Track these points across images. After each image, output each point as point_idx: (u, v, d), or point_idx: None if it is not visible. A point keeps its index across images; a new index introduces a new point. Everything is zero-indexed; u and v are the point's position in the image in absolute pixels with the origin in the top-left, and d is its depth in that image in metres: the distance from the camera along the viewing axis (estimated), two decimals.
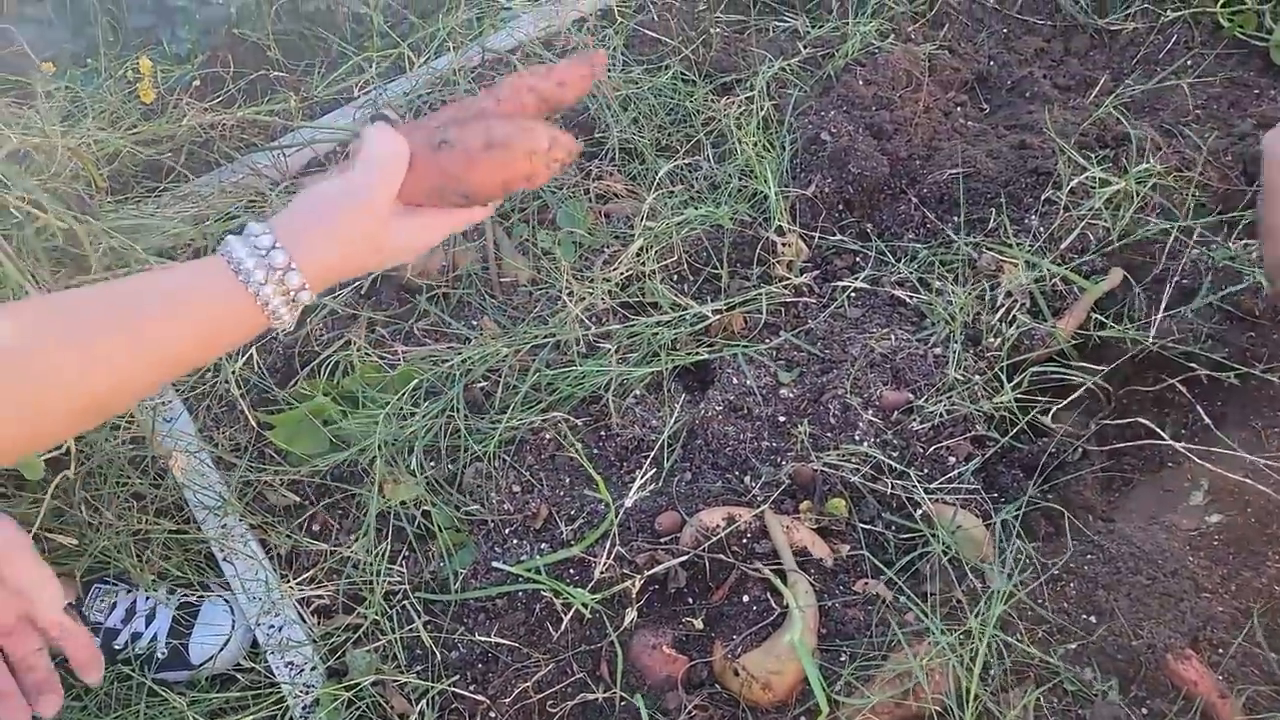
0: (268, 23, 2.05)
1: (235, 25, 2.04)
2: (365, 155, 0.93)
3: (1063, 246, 1.64)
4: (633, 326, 1.60)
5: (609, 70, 1.91)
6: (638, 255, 1.67)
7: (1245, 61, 1.99)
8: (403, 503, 1.48)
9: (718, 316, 1.63)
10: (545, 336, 1.58)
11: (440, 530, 1.46)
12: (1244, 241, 1.61)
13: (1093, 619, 1.29)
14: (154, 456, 1.54)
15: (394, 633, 1.38)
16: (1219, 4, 2.01)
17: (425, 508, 1.48)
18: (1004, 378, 1.52)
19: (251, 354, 1.59)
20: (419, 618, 1.38)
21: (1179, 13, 2.03)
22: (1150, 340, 1.51)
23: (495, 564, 1.40)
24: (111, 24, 1.96)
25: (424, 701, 1.32)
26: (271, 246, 0.87)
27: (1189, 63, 1.97)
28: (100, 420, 0.90)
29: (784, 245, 1.71)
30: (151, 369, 0.85)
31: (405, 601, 1.41)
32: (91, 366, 0.81)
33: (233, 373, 1.54)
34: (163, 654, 1.42)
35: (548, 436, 1.52)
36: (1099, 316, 1.58)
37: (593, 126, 1.88)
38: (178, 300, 0.85)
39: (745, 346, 1.61)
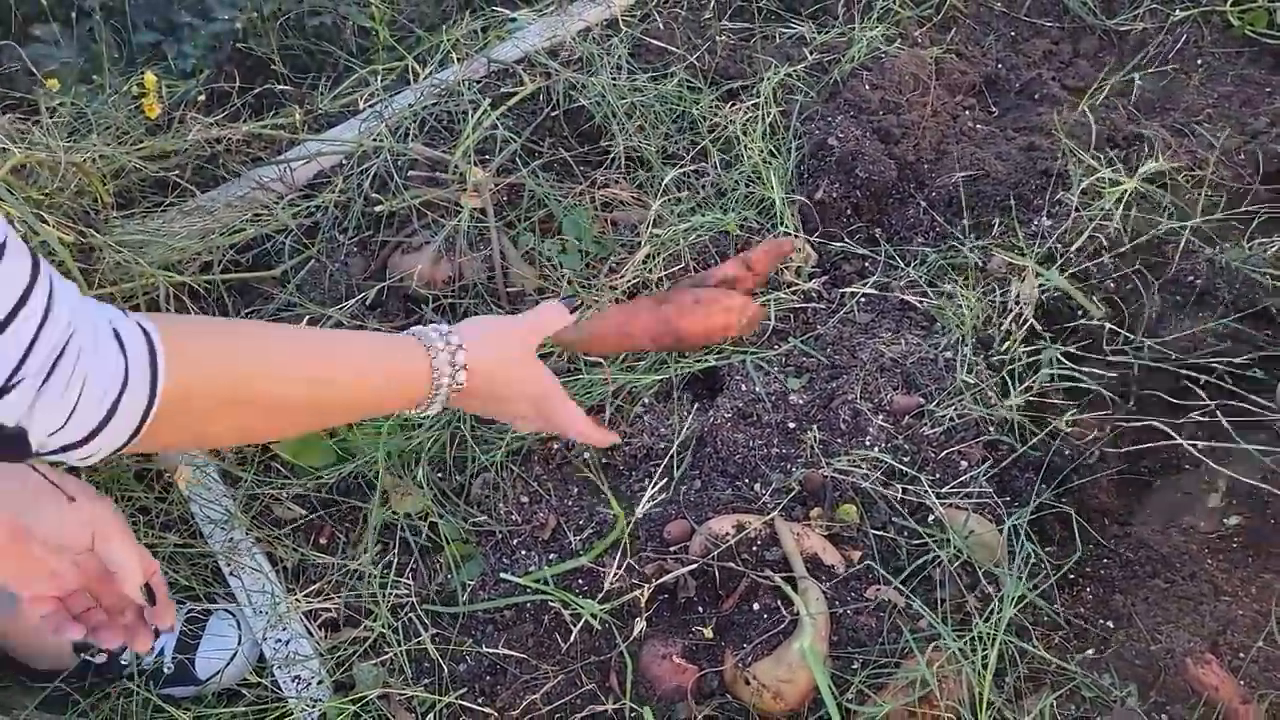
0: (273, 38, 2.06)
1: (240, 40, 2.05)
2: (534, 310, 1.21)
3: (1073, 249, 1.62)
4: None
5: (614, 78, 1.90)
6: (644, 262, 1.66)
7: (1256, 59, 1.97)
8: (409, 515, 1.47)
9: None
10: (552, 345, 1.57)
11: (447, 542, 1.45)
12: (1258, 240, 1.59)
13: (1110, 624, 1.27)
14: (160, 470, 1.54)
15: (401, 645, 1.37)
16: (1228, 2, 1.99)
17: (432, 519, 1.47)
18: (1014, 381, 1.50)
19: None
20: (426, 630, 1.37)
21: (1188, 12, 2.01)
22: (1171, 357, 1.49)
23: (503, 575, 1.39)
24: (117, 40, 1.97)
25: (432, 715, 1.30)
26: (450, 332, 1.08)
27: (1199, 62, 1.95)
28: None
29: (792, 251, 1.70)
30: (331, 401, 0.99)
31: (412, 614, 1.40)
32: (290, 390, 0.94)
33: None
34: (169, 669, 1.41)
35: (555, 446, 1.51)
36: (1112, 326, 1.56)
37: (599, 134, 1.87)
38: (375, 349, 1.05)
39: (754, 353, 1.60)
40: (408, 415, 1.13)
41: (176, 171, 1.84)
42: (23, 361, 0.72)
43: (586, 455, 1.51)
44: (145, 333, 0.82)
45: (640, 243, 1.67)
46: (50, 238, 1.32)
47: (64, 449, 0.79)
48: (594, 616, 1.31)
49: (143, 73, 1.74)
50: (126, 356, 0.79)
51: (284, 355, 0.95)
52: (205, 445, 1.13)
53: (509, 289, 1.68)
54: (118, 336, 0.80)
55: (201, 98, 1.90)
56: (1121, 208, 1.62)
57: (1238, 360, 1.48)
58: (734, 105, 1.89)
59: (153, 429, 0.82)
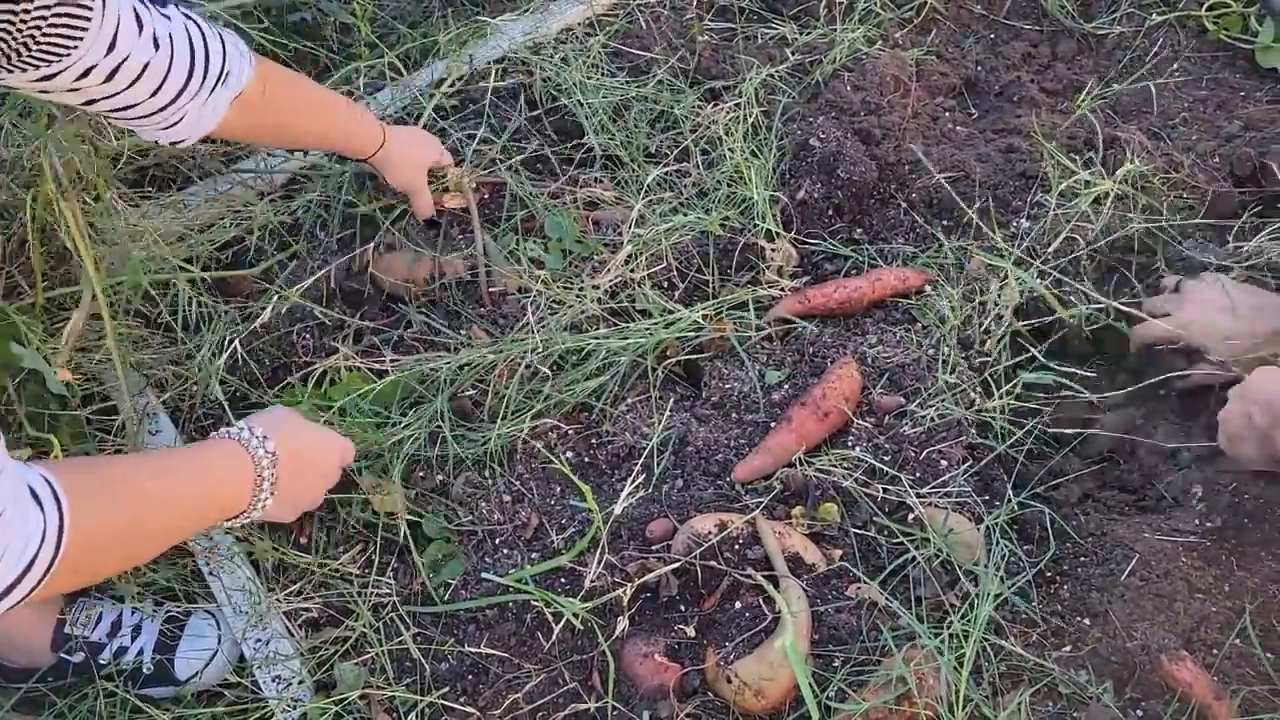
0: (254, 34, 2.04)
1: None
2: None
3: (1050, 250, 1.64)
4: (623, 333, 1.59)
5: (594, 77, 1.90)
6: (626, 262, 1.66)
7: (1231, 64, 1.99)
8: (390, 514, 1.46)
9: (708, 323, 1.62)
10: (534, 344, 1.57)
11: (429, 541, 1.45)
12: (1232, 244, 1.61)
13: (1086, 621, 1.28)
14: None
15: (382, 645, 1.37)
16: (1204, 7, 2.02)
17: (413, 518, 1.46)
18: (995, 382, 1.52)
19: (237, 359, 1.58)
20: (408, 630, 1.37)
21: (1164, 16, 2.03)
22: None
23: (485, 575, 1.39)
24: None
25: (413, 714, 1.30)
26: (250, 426, 1.17)
27: (1175, 66, 1.98)
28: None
29: (773, 251, 1.71)
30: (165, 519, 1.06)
31: (393, 613, 1.40)
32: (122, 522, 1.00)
33: (217, 379, 1.53)
34: (148, 669, 1.40)
35: (538, 445, 1.51)
36: (1090, 328, 1.58)
37: (580, 133, 1.87)
38: (192, 453, 1.19)
39: (734, 351, 1.60)
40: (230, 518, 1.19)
41: (155, 168, 1.82)
42: None
43: (568, 454, 1.52)
44: (50, 486, 0.90)
45: (622, 243, 1.67)
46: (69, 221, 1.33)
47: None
48: (576, 616, 1.31)
49: None
50: (44, 513, 0.88)
51: (160, 492, 1.05)
52: (94, 581, 1.24)
53: (491, 289, 1.68)
54: (33, 494, 0.88)
55: None
56: (1103, 208, 1.63)
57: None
58: (716, 105, 1.90)
59: (53, 576, 0.89)
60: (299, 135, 1.59)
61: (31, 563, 0.87)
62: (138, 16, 1.17)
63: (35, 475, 0.89)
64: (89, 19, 1.08)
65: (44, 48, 1.06)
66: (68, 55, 1.09)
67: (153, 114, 1.26)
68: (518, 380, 1.54)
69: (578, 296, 1.61)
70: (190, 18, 1.27)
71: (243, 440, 1.15)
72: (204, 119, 1.31)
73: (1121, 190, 1.67)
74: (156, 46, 1.19)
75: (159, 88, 1.22)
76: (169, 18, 1.24)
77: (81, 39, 1.09)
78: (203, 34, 1.27)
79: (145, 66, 1.19)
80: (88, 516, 0.92)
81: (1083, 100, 1.86)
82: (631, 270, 1.66)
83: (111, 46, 1.13)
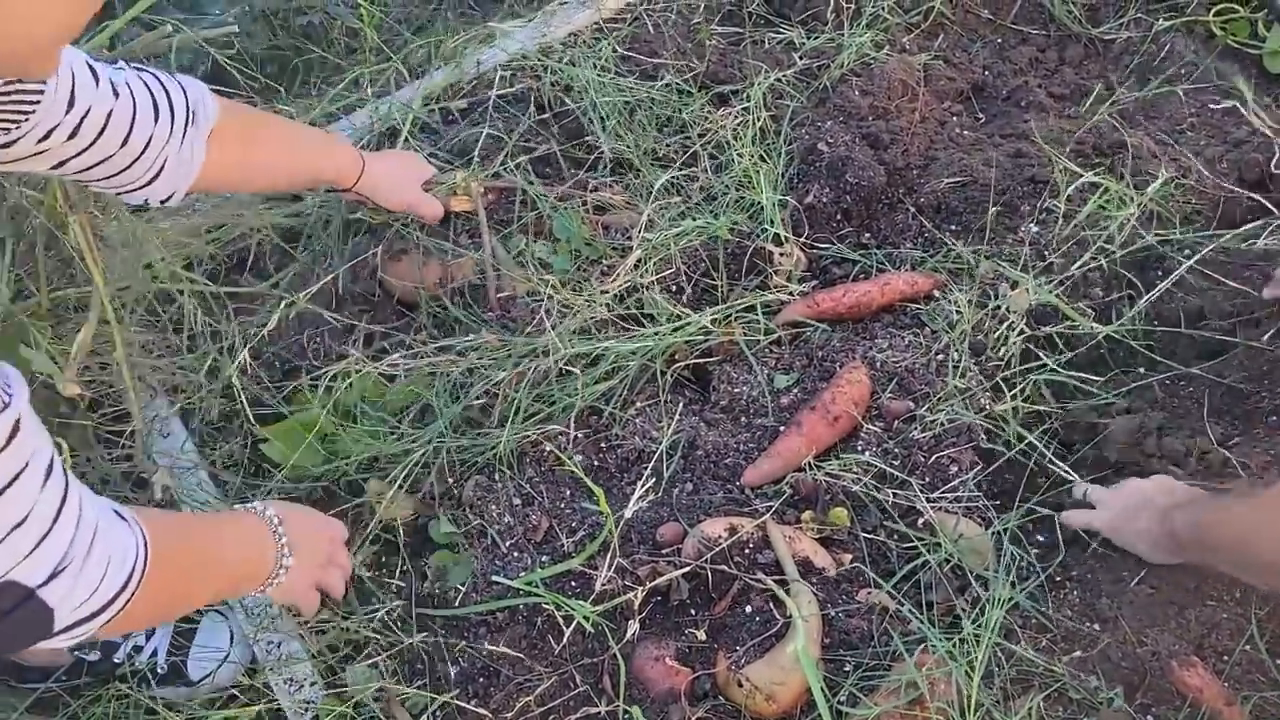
0: (263, 37, 2.05)
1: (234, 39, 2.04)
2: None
3: (1069, 263, 1.64)
4: (632, 337, 1.59)
5: (603, 80, 1.90)
6: (636, 267, 1.66)
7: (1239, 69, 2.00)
8: (392, 520, 1.47)
9: (716, 328, 1.62)
10: (544, 349, 1.57)
11: (438, 545, 1.45)
12: (1246, 242, 1.61)
13: (1096, 626, 1.29)
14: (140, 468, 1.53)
15: (394, 647, 1.37)
16: (1211, 13, 2.02)
17: (424, 521, 1.47)
18: (1005, 386, 1.52)
19: (247, 366, 1.58)
20: (419, 632, 1.37)
21: (1172, 21, 2.03)
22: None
23: (495, 578, 1.39)
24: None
25: (425, 716, 1.31)
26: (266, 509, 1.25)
27: (1183, 71, 1.98)
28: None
29: (782, 255, 1.71)
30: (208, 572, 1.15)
31: (404, 616, 1.40)
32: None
33: (232, 380, 1.53)
34: (162, 669, 1.41)
35: (548, 449, 1.51)
36: (1110, 330, 1.58)
37: (588, 136, 1.88)
38: (226, 520, 1.28)
39: (743, 355, 1.61)
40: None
41: None
42: (70, 547, 0.86)
43: (578, 458, 1.52)
44: (120, 512, 0.97)
45: (631, 247, 1.67)
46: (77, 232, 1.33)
47: (78, 624, 0.91)
48: (586, 619, 1.32)
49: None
50: (131, 529, 0.96)
51: (206, 539, 1.16)
52: (153, 620, 1.32)
53: (500, 294, 1.68)
54: (119, 514, 0.96)
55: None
56: (1112, 214, 1.64)
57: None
58: (724, 110, 1.90)
59: (134, 600, 0.95)
60: (285, 171, 1.54)
61: (131, 573, 0.93)
62: (91, 69, 1.15)
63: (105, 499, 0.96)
64: (42, 89, 1.06)
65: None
66: (25, 121, 1.06)
67: (129, 167, 1.23)
68: (526, 385, 1.54)
69: (587, 302, 1.62)
70: (142, 69, 1.25)
71: (254, 510, 1.24)
72: (185, 166, 1.29)
73: (1131, 195, 1.67)
74: (116, 94, 1.18)
75: (127, 136, 1.20)
76: (122, 69, 1.23)
77: (38, 103, 1.06)
78: (159, 79, 1.26)
79: (109, 115, 1.17)
80: (163, 542, 0.98)
81: (1091, 107, 1.87)
82: (641, 275, 1.66)
83: (70, 103, 1.11)
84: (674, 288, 1.70)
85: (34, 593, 0.84)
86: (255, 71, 1.96)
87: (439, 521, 1.47)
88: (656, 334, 1.59)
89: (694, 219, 1.73)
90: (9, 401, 0.78)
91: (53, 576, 0.85)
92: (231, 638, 1.44)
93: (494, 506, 1.47)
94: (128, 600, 0.93)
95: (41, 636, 0.88)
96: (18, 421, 0.79)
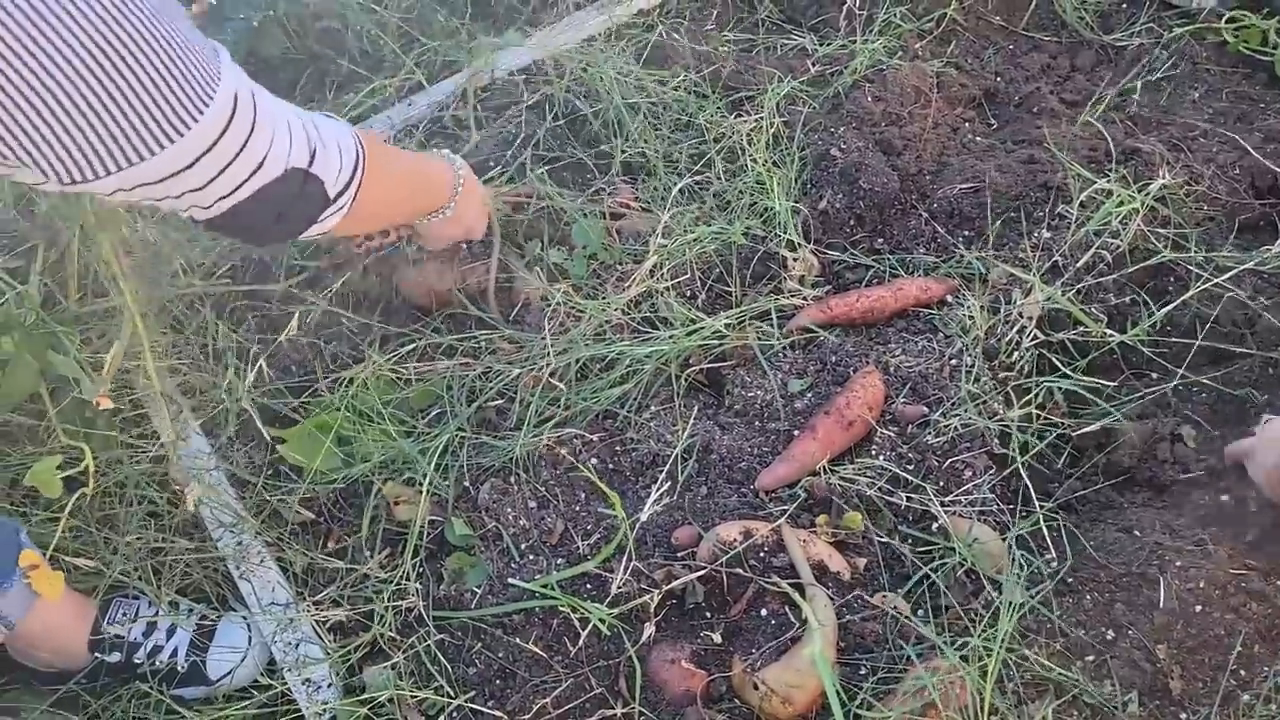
0: (279, 42, 2.07)
1: (252, 45, 2.06)
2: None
3: (1078, 264, 1.64)
4: (646, 341, 1.60)
5: (619, 84, 1.91)
6: (651, 274, 1.67)
7: (1250, 77, 2.00)
8: (407, 522, 1.48)
9: (731, 332, 1.63)
10: (558, 353, 1.58)
11: (455, 547, 1.46)
12: (1262, 246, 1.62)
13: (1110, 633, 1.29)
14: (170, 477, 1.54)
15: (411, 649, 1.38)
16: (1224, 20, 2.03)
17: (440, 523, 1.48)
18: (1018, 393, 1.53)
19: (263, 372, 1.59)
20: (436, 634, 1.38)
21: (1184, 29, 2.04)
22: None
23: (511, 580, 1.40)
24: None
25: (442, 718, 1.32)
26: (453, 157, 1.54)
27: (1195, 78, 1.99)
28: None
29: (795, 260, 1.72)
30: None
31: (422, 618, 1.41)
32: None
33: (245, 391, 1.55)
34: (182, 669, 1.42)
35: (563, 453, 1.53)
36: (1115, 333, 1.58)
37: (603, 141, 1.89)
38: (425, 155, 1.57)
39: (757, 359, 1.62)
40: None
41: None
42: (312, 132, 1.12)
43: (593, 461, 1.53)
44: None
45: (647, 252, 1.68)
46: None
47: (338, 196, 1.17)
48: (603, 621, 1.32)
49: None
50: (342, 125, 1.20)
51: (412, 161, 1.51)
52: (374, 219, 1.47)
53: (513, 302, 1.69)
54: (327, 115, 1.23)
55: None
56: (1125, 219, 1.64)
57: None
58: (738, 116, 1.91)
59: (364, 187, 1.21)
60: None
61: (358, 155, 1.18)
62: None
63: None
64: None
65: None
66: None
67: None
68: (541, 388, 1.55)
69: (601, 307, 1.63)
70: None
71: (449, 160, 1.50)
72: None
73: (1143, 201, 1.68)
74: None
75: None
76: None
77: None
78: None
79: None
80: (373, 146, 1.22)
81: (1103, 113, 1.87)
82: (656, 280, 1.67)
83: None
84: (688, 293, 1.71)
85: (309, 171, 1.10)
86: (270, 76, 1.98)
87: (454, 524, 1.48)
88: (671, 338, 1.60)
89: (709, 224, 1.74)
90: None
91: (312, 158, 1.10)
92: (250, 639, 1.45)
93: (510, 510, 1.48)
94: (361, 179, 1.18)
95: (324, 206, 1.16)
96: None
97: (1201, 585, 1.28)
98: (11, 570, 1.31)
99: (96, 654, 1.42)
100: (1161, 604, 1.27)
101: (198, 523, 1.52)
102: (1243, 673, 1.26)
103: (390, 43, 2.08)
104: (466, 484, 1.52)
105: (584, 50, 2.03)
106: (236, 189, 1.04)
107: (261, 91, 1.05)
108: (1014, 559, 1.33)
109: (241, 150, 1.01)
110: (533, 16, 2.24)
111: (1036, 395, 1.52)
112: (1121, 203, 1.67)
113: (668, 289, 1.67)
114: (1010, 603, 1.24)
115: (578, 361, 1.58)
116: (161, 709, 1.39)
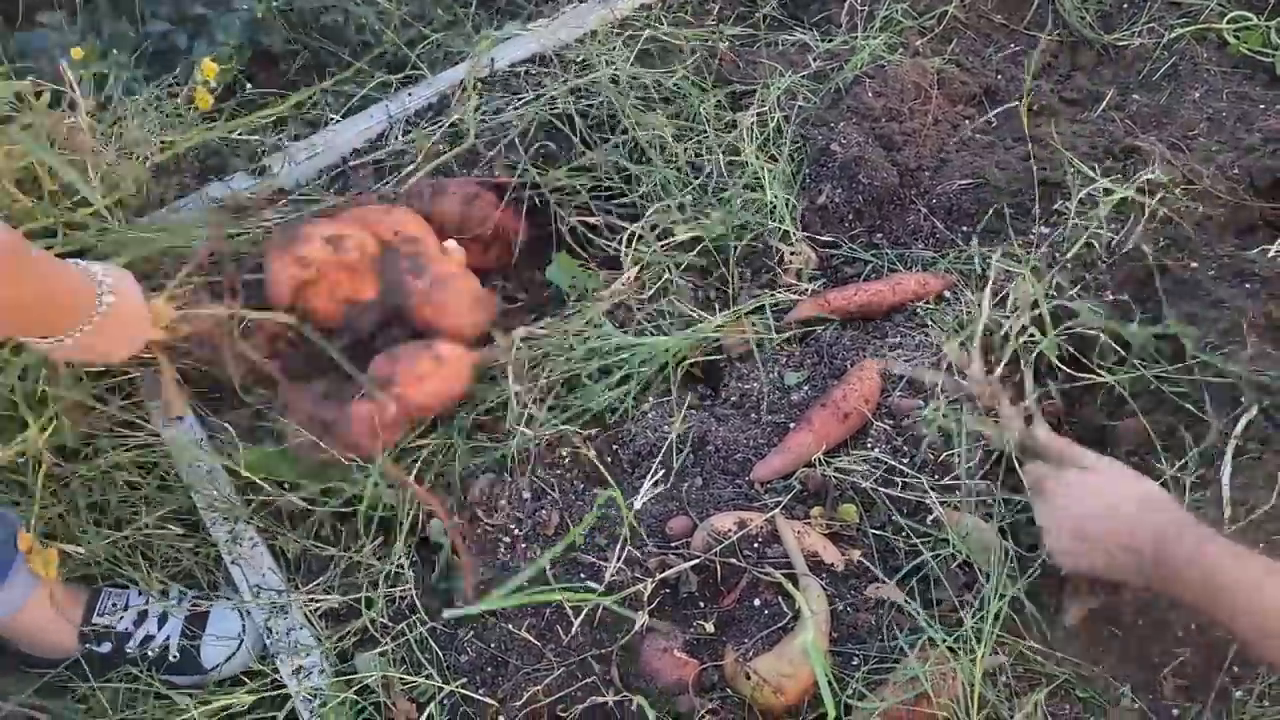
0: (283, 31, 2.07)
1: (254, 35, 2.06)
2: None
3: (1069, 256, 1.64)
4: (643, 342, 1.60)
5: (619, 76, 1.91)
6: (639, 276, 1.67)
7: (1251, 77, 2.00)
8: (410, 509, 1.47)
9: (727, 325, 1.63)
10: (556, 353, 1.58)
11: (446, 543, 1.45)
12: (1261, 248, 1.62)
13: (1103, 629, 1.29)
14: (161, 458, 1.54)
15: (403, 636, 1.38)
16: (1225, 20, 2.03)
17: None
18: (1014, 387, 1.52)
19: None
20: (427, 621, 1.38)
21: (1185, 29, 2.04)
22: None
23: (504, 571, 1.40)
24: (130, 32, 1.98)
25: (433, 704, 1.31)
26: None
27: (1195, 78, 1.99)
28: None
29: (792, 254, 1.72)
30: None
31: (413, 605, 1.41)
32: None
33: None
34: (174, 657, 1.42)
35: (562, 452, 1.52)
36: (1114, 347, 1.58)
37: (602, 129, 1.88)
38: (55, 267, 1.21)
39: (753, 352, 1.62)
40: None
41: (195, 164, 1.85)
42: None
43: (592, 454, 1.52)
44: None
45: (640, 253, 1.68)
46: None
47: None
48: (598, 602, 1.31)
49: (193, 61, 1.74)
50: None
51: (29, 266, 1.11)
52: None
53: None
54: None
55: (249, 87, 1.91)
56: (1123, 217, 1.64)
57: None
58: (738, 109, 1.91)
59: None
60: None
61: None
62: None
63: None
64: None
65: None
66: None
67: None
68: (538, 392, 1.54)
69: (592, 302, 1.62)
70: None
71: (92, 276, 1.24)
72: None
73: (1141, 199, 1.68)
74: None
75: None
76: None
77: None
78: None
79: None
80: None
81: (1103, 112, 1.87)
82: (643, 282, 1.67)
83: None
84: (687, 288, 1.70)
85: None
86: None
87: (436, 522, 1.46)
88: (667, 335, 1.60)
89: (705, 217, 1.74)
90: None
91: None
92: (244, 626, 1.44)
93: (505, 501, 1.47)
94: None
95: None
96: None
97: None
98: (12, 560, 1.31)
99: (87, 645, 1.41)
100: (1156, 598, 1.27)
101: (190, 510, 1.52)
102: (1236, 669, 1.25)
103: (391, 35, 2.09)
104: (463, 475, 1.51)
105: (584, 44, 2.03)
106: None
107: None
108: (1004, 550, 1.32)
109: None
110: (534, 11, 2.24)
111: (1035, 391, 1.51)
112: (1121, 204, 1.67)
113: (663, 286, 1.66)
114: (998, 591, 1.24)
115: (572, 364, 1.57)
116: (150, 695, 1.39)
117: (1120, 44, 2.09)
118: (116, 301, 1.25)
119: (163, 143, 1.71)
